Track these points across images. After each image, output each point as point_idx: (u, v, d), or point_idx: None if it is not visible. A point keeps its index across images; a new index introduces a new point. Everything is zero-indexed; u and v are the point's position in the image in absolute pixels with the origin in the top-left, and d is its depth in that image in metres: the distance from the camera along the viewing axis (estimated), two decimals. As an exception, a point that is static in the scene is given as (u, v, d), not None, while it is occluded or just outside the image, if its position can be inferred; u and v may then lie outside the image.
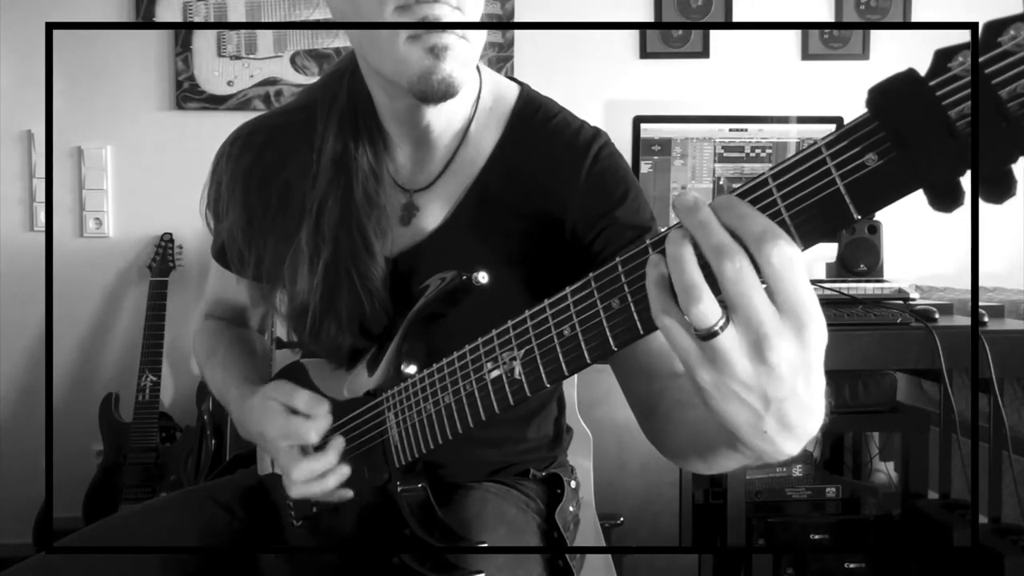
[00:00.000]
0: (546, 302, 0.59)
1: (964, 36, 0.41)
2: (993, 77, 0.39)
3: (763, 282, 0.45)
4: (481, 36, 0.80)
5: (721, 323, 0.46)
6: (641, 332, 0.53)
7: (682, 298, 0.46)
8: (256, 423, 0.87)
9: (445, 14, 0.72)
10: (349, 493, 0.83)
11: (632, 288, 0.53)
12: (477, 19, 0.78)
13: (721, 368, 0.47)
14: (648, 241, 0.52)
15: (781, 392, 0.47)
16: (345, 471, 0.82)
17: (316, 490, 0.82)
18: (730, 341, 0.46)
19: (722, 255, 0.45)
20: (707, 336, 0.46)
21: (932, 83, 0.41)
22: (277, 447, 0.83)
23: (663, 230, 0.51)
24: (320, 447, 0.82)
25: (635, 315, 0.53)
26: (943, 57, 0.41)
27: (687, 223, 0.47)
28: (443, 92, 0.75)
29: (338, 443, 0.82)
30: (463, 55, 0.75)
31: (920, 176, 0.42)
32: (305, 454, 0.82)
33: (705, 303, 0.45)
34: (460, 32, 0.74)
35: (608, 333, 0.55)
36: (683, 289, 0.46)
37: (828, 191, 0.44)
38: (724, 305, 0.46)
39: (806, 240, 0.46)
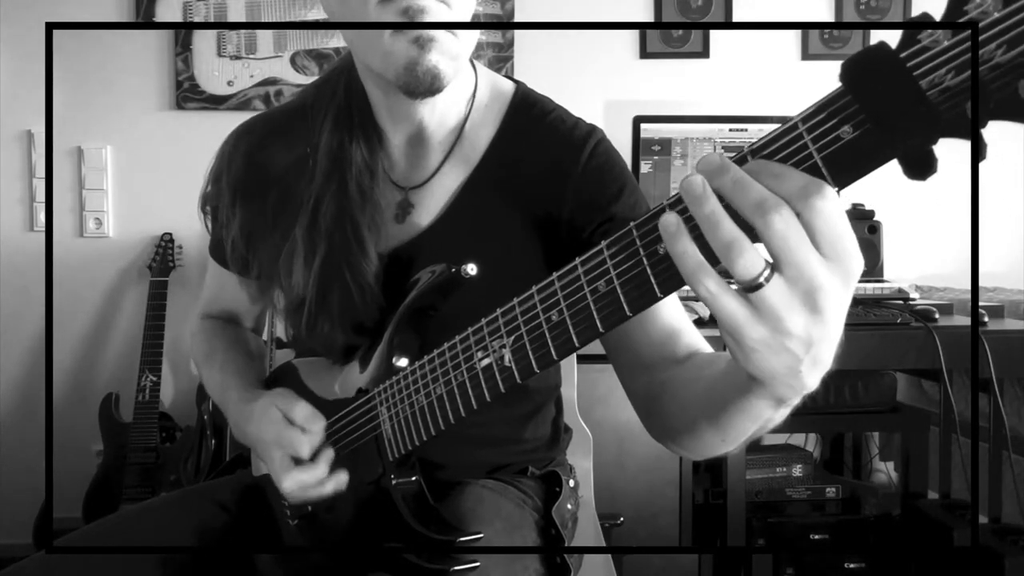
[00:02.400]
0: (534, 288, 0.60)
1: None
2: (914, 70, 0.42)
3: (809, 234, 0.45)
4: (472, 31, 0.80)
5: (766, 274, 0.45)
6: (628, 313, 0.54)
7: (723, 254, 0.46)
8: (255, 427, 0.87)
9: (429, 5, 0.72)
10: (344, 478, 0.83)
11: (617, 270, 0.53)
12: (467, 10, 0.78)
13: (774, 323, 0.46)
14: (632, 224, 0.52)
15: (824, 333, 0.47)
16: (333, 481, 0.83)
17: (305, 497, 0.84)
18: (778, 293, 0.46)
19: (768, 210, 0.44)
20: (752, 288, 0.46)
21: (903, 55, 0.42)
22: (271, 455, 0.84)
23: (647, 213, 0.52)
24: (312, 457, 0.83)
25: (621, 296, 0.54)
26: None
27: (719, 183, 0.46)
28: (428, 84, 0.75)
29: (328, 455, 0.83)
30: (450, 48, 0.75)
31: (894, 145, 0.43)
32: (296, 464, 0.83)
33: (749, 253, 0.45)
34: None
35: (595, 316, 0.56)
36: (724, 244, 0.45)
37: (805, 165, 0.45)
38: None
39: None
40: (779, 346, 0.47)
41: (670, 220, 0.48)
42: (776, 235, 0.44)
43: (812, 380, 0.50)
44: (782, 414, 0.57)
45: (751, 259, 0.45)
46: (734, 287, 0.47)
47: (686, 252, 0.47)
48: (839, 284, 0.46)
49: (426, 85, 0.75)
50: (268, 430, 0.84)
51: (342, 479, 0.83)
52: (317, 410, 0.84)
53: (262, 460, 0.89)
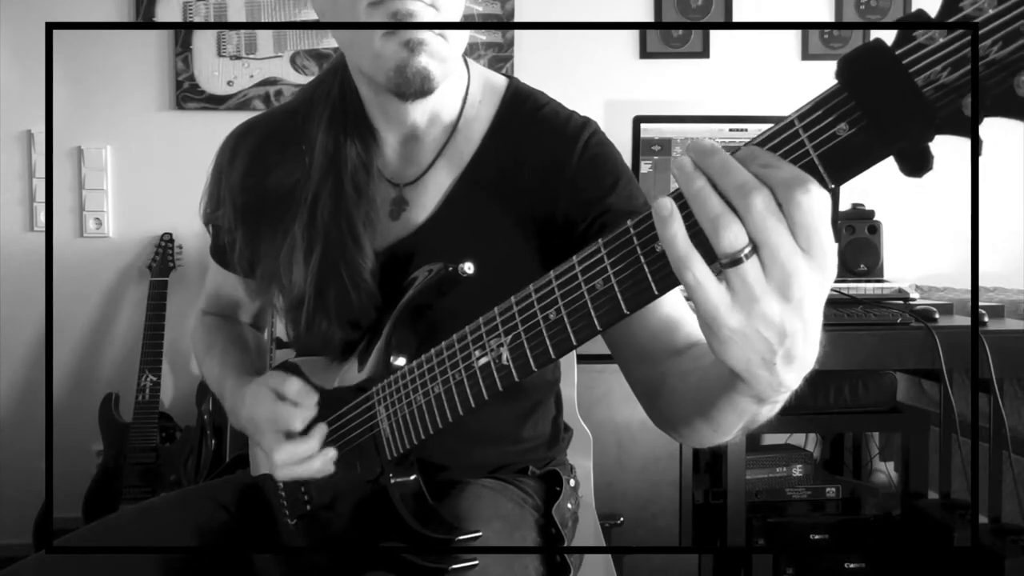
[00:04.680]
0: (531, 287, 0.60)
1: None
2: (910, 67, 0.42)
3: (788, 224, 0.46)
4: (462, 33, 0.81)
5: (747, 250, 0.46)
6: (625, 311, 0.54)
7: (709, 228, 0.46)
8: (248, 408, 0.87)
9: (418, 10, 0.73)
10: (332, 453, 0.83)
11: (615, 269, 0.54)
12: (456, 15, 0.79)
13: (749, 307, 0.47)
14: (629, 223, 0.53)
15: (796, 326, 0.48)
16: (327, 455, 0.82)
17: (298, 473, 0.83)
18: (755, 273, 0.46)
19: (748, 192, 0.45)
20: (731, 263, 0.46)
21: (899, 52, 0.43)
22: (263, 431, 0.85)
23: (644, 213, 0.52)
24: (305, 434, 0.83)
25: (619, 295, 0.54)
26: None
27: (706, 165, 0.47)
28: (419, 86, 0.76)
29: (321, 429, 0.83)
30: (439, 50, 0.76)
31: (890, 142, 0.44)
32: (289, 439, 0.83)
33: (735, 227, 0.46)
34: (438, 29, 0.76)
35: (593, 314, 0.56)
36: (711, 218, 0.46)
37: (802, 162, 0.46)
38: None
39: None
40: (753, 334, 0.48)
41: (664, 203, 0.49)
42: (755, 216, 0.45)
43: (790, 378, 0.51)
44: (770, 409, 0.58)
45: (735, 232, 0.46)
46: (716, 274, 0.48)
47: (676, 236, 0.48)
48: (813, 277, 0.46)
49: (416, 87, 0.76)
50: (261, 408, 0.85)
51: (331, 455, 0.82)
52: (309, 386, 0.84)
53: (256, 442, 0.89)
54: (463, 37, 0.82)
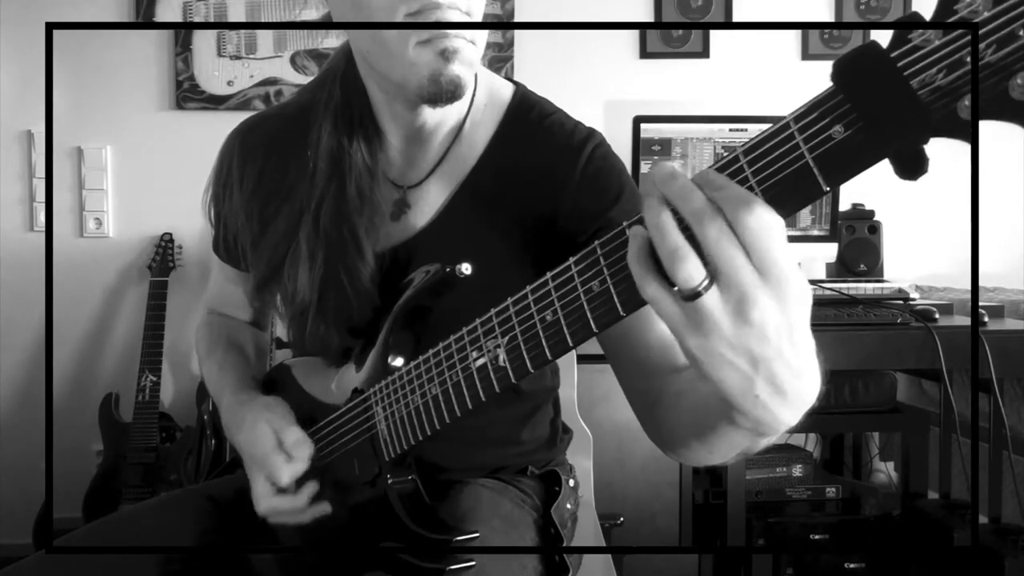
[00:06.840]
0: (527, 288, 0.60)
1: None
2: (905, 69, 0.42)
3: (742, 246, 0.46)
4: (484, 38, 0.81)
5: (705, 283, 0.47)
6: (621, 313, 0.54)
7: (667, 261, 0.47)
8: (244, 440, 0.87)
9: (462, 46, 0.75)
10: (325, 508, 0.85)
11: (611, 270, 0.54)
12: (483, 39, 0.80)
13: (707, 331, 0.48)
14: (624, 224, 0.53)
15: (767, 352, 0.47)
16: (315, 509, 0.84)
17: (283, 521, 0.85)
18: (713, 302, 0.47)
19: (703, 218, 0.46)
20: (691, 297, 0.47)
21: (894, 54, 0.43)
22: (254, 474, 0.86)
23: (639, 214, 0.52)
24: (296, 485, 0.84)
25: (615, 296, 0.54)
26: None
27: (666, 191, 0.48)
28: (451, 93, 0.77)
29: (311, 487, 0.84)
30: (469, 57, 0.77)
31: (885, 145, 0.44)
32: (278, 493, 0.84)
33: (690, 263, 0.46)
34: (469, 36, 0.76)
35: (589, 316, 0.56)
36: (668, 252, 0.47)
37: (797, 164, 0.46)
38: (708, 268, 0.47)
39: (778, 212, 0.47)
40: (716, 354, 0.48)
41: (636, 229, 0.50)
42: (710, 241, 0.46)
43: (784, 413, 0.50)
44: (768, 440, 0.57)
45: (692, 266, 0.46)
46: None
47: (635, 257, 0.50)
48: (771, 302, 0.46)
49: (449, 95, 0.77)
50: (256, 447, 0.85)
51: (320, 508, 0.84)
52: (307, 437, 0.84)
53: (247, 473, 0.89)
54: (484, 41, 0.82)
